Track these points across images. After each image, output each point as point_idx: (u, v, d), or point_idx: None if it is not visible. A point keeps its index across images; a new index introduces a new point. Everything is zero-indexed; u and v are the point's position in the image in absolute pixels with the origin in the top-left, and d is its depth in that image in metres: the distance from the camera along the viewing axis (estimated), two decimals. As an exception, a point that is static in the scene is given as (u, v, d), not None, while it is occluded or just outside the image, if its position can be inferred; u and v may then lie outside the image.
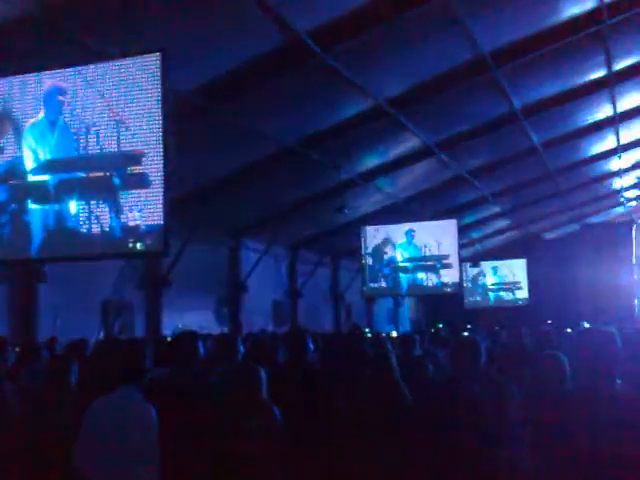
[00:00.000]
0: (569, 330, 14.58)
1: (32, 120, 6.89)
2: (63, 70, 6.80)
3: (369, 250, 17.16)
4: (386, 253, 17.16)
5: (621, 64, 11.89)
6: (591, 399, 2.97)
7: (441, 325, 18.84)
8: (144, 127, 6.51)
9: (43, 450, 4.20)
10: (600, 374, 3.02)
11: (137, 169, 6.46)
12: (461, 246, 18.04)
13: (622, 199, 21.55)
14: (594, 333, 3.24)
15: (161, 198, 6.40)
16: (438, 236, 16.84)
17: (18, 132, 6.93)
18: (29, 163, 6.91)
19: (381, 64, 9.62)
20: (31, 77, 6.90)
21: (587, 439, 2.89)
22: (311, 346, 5.48)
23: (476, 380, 4.00)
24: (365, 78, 9.94)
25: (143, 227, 6.50)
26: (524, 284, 24.12)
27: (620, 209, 23.42)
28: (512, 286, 24.40)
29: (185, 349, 4.47)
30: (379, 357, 4.75)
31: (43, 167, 6.85)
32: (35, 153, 6.88)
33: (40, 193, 6.81)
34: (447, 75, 10.44)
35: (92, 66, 6.84)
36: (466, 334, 14.02)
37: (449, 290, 17.05)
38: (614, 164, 18.31)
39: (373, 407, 4.26)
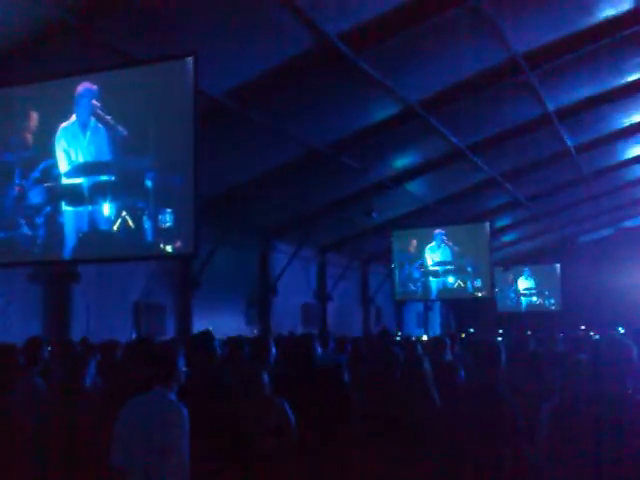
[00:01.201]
0: (597, 337, 14.37)
1: (65, 123, 7.01)
2: (95, 74, 6.91)
3: (399, 254, 17.10)
4: (416, 257, 17.08)
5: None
6: (597, 401, 3.13)
7: (472, 330, 18.62)
8: (176, 130, 6.56)
9: (68, 448, 4.25)
10: (614, 378, 3.17)
11: (169, 172, 6.51)
12: (493, 250, 17.86)
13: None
14: (610, 340, 3.39)
15: (192, 201, 6.44)
16: (469, 240, 16.71)
17: (52, 135, 7.05)
18: (63, 166, 7.02)
19: (412, 66, 9.57)
20: (63, 81, 7.01)
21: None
22: (332, 345, 5.46)
23: (500, 384, 4.00)
24: (396, 80, 9.89)
25: (174, 229, 6.55)
26: (557, 289, 23.75)
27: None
28: (545, 291, 24.06)
29: (201, 348, 4.50)
30: (411, 361, 4.70)
31: (76, 170, 6.96)
32: (68, 156, 7.00)
33: (74, 195, 6.92)
34: (479, 77, 10.33)
35: (124, 70, 6.95)
36: (499, 339, 13.91)
37: (480, 295, 16.89)
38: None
39: (402, 411, 4.21)
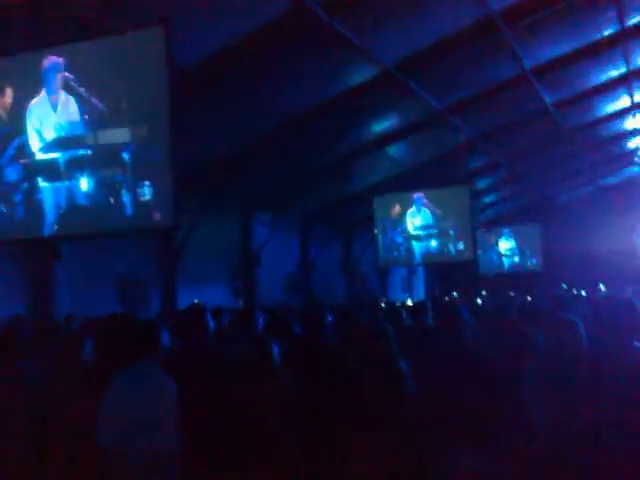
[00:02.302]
0: (583, 293, 14.59)
1: (35, 99, 6.87)
2: (62, 46, 6.75)
3: (381, 220, 17.13)
4: (398, 222, 17.12)
5: (634, 20, 11.61)
6: (612, 362, 3.04)
7: (455, 293, 18.81)
8: (151, 101, 6.46)
9: (59, 427, 4.24)
10: (623, 340, 3.08)
11: (146, 144, 6.42)
12: (474, 212, 17.93)
13: (637, 159, 21.26)
14: (613, 300, 3.34)
15: (170, 173, 6.38)
16: (451, 203, 16.76)
17: (24, 111, 6.91)
18: (36, 142, 6.90)
19: (387, 28, 9.44)
20: (30, 55, 6.85)
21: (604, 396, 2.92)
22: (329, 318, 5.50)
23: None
24: (371, 43, 9.79)
25: (153, 202, 6.49)
26: (538, 249, 23.99)
27: (635, 169, 23.11)
28: (526, 251, 24.30)
29: (195, 322, 4.50)
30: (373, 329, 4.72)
31: (51, 145, 6.84)
32: (40, 132, 6.87)
33: (50, 171, 6.82)
34: (456, 37, 10.23)
35: (93, 41, 6.79)
36: (479, 301, 14.07)
37: (463, 257, 17.00)
38: (628, 123, 18.02)
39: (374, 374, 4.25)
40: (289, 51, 9.14)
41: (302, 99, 11.13)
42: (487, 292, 19.77)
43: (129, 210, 6.57)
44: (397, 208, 17.13)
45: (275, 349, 4.18)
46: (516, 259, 24.60)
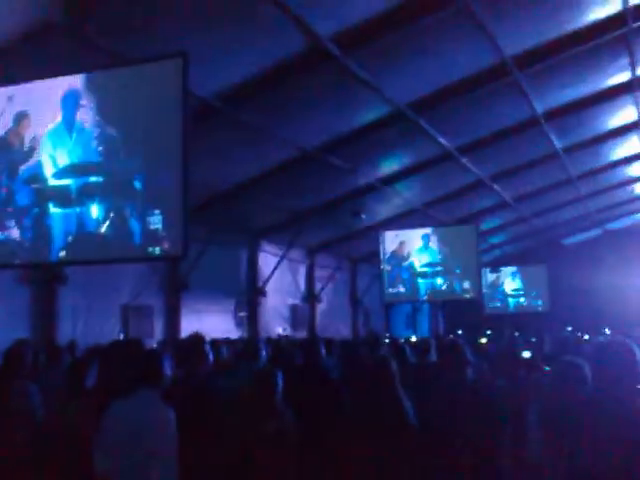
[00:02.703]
0: (587, 337, 14.47)
1: (51, 125, 6.94)
2: (81, 75, 6.84)
3: (388, 255, 17.12)
4: (405, 258, 17.10)
5: (646, 68, 11.72)
6: (612, 406, 3.07)
7: (460, 331, 18.67)
8: (165, 131, 6.50)
9: (60, 452, 4.19)
10: (623, 384, 3.12)
11: (158, 173, 6.45)
12: (481, 252, 17.91)
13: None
14: (615, 345, 3.37)
15: (181, 202, 6.38)
16: (458, 241, 16.76)
17: (39, 137, 6.97)
18: (50, 167, 6.95)
19: (401, 68, 9.57)
20: (49, 82, 6.94)
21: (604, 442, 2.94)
22: (322, 351, 5.47)
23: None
24: (385, 82, 9.89)
25: (162, 231, 6.48)
26: (544, 290, 23.87)
27: (642, 215, 23.12)
28: (532, 292, 24.17)
29: (193, 352, 4.47)
30: (378, 363, 4.69)
31: (64, 171, 6.88)
32: (54, 158, 6.92)
33: (62, 197, 6.84)
34: (468, 79, 10.35)
35: (111, 70, 6.88)
36: (484, 340, 13.95)
37: (468, 296, 16.94)
38: (636, 169, 18.07)
39: (374, 412, 4.21)
40: (303, 87, 9.24)
41: (314, 134, 11.23)
42: (492, 331, 19.60)
43: (138, 238, 6.57)
44: (404, 244, 17.12)
45: (279, 381, 4.16)
46: (522, 299, 24.46)
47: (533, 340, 12.85)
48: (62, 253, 6.89)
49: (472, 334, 16.84)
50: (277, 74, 8.76)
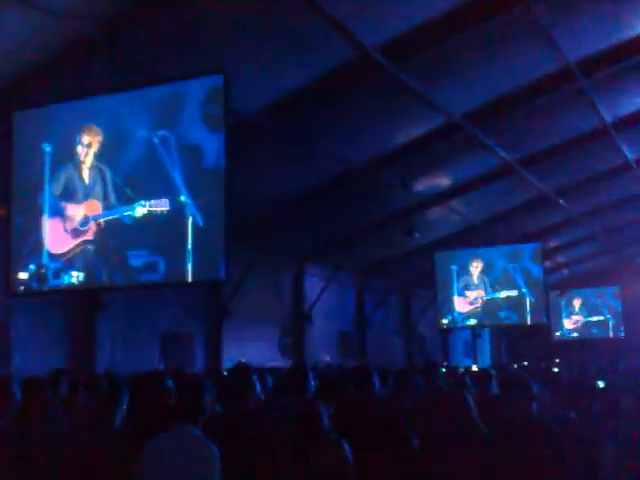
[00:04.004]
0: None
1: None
2: (119, 93, 7.14)
3: (443, 277, 17.00)
4: (462, 280, 16.95)
5: None
6: None
7: (526, 362, 18.32)
8: (205, 151, 6.70)
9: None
10: None
11: (199, 197, 6.64)
12: (547, 272, 17.61)
13: None
14: None
15: (222, 224, 6.54)
16: (521, 262, 16.55)
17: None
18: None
19: (456, 77, 9.59)
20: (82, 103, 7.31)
21: None
22: (377, 383, 5.46)
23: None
24: (438, 93, 9.93)
25: (204, 255, 6.65)
26: (618, 313, 23.25)
27: None
28: (604, 316, 23.57)
29: (238, 384, 4.50)
30: (455, 395, 4.67)
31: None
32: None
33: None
34: (529, 87, 10.29)
35: (150, 88, 7.14)
36: (556, 370, 13.66)
37: (534, 321, 16.67)
38: None
39: (449, 445, 4.19)
40: (351, 99, 9.35)
41: (363, 148, 11.31)
42: (561, 360, 19.18)
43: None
44: (460, 266, 16.98)
45: (325, 416, 4.15)
46: (593, 324, 23.88)
47: (607, 369, 12.54)
48: (103, 278, 7.16)
49: (539, 363, 16.51)
50: (323, 87, 8.88)
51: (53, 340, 10.35)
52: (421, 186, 13.59)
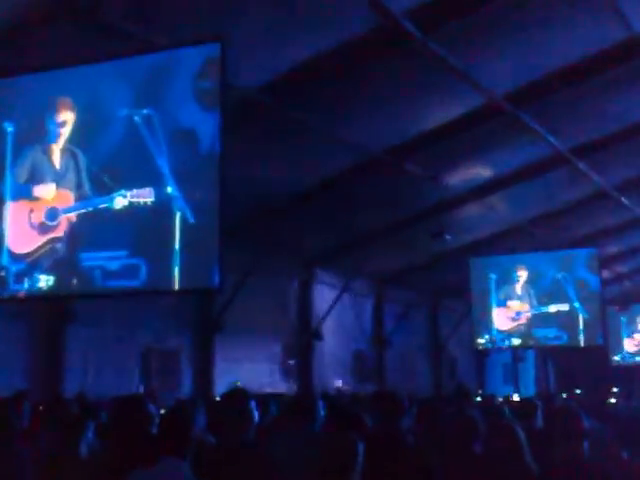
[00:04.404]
0: None
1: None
2: (97, 64, 7.22)
3: (479, 288, 17.01)
4: (502, 293, 16.96)
5: None
6: None
7: (578, 391, 18.30)
8: (197, 133, 6.76)
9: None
10: None
11: (189, 188, 6.70)
12: (604, 284, 17.58)
13: None
14: None
15: (217, 221, 6.59)
16: (573, 271, 16.54)
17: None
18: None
19: (497, 49, 9.62)
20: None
21: None
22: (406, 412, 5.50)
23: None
24: (476, 67, 9.96)
25: (194, 258, 6.71)
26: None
27: None
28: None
29: (234, 412, 4.56)
30: (499, 429, 4.71)
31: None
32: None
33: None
34: (585, 63, 10.30)
35: (133, 58, 7.22)
36: (613, 401, 13.66)
37: (588, 342, 16.65)
38: None
39: None
40: (370, 75, 9.39)
41: (384, 133, 11.36)
42: (621, 389, 19.16)
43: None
44: (500, 274, 16.99)
45: (359, 454, 4.18)
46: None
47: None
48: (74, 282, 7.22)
49: (593, 392, 16.50)
50: (336, 60, 8.94)
51: (13, 357, 10.44)
52: (453, 179, 13.62)
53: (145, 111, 6.95)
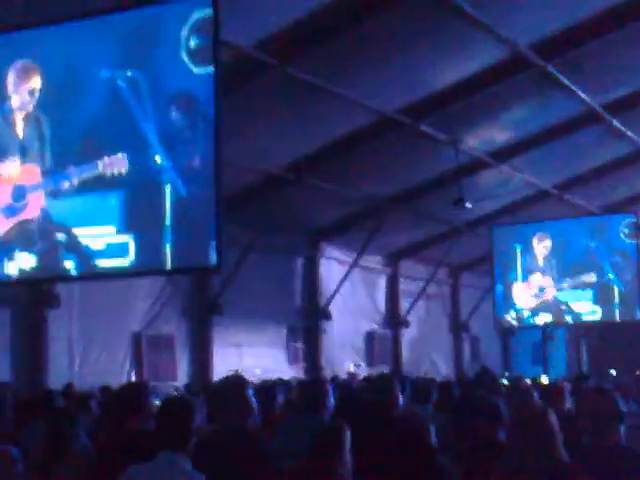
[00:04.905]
0: None
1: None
2: (72, 22, 7.18)
3: (503, 261, 17.02)
4: (529, 264, 16.96)
5: None
6: None
7: (613, 370, 18.34)
8: (189, 95, 6.74)
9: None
10: None
11: (181, 157, 6.69)
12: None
13: None
14: None
15: (213, 192, 6.59)
16: (608, 239, 16.51)
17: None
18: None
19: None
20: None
21: None
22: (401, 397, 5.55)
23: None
24: (498, 15, 9.88)
25: (188, 234, 6.73)
26: None
27: None
28: None
29: (232, 400, 4.62)
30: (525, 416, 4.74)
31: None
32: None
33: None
34: (619, 8, 10.22)
35: (115, 15, 7.18)
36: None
37: (626, 318, 16.67)
38: None
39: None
40: (381, 26, 9.33)
41: (397, 91, 11.31)
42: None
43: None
44: (527, 245, 16.98)
45: (345, 441, 4.27)
46: None
47: None
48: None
49: (631, 373, 16.53)
50: (344, 9, 8.87)
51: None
52: (474, 141, 13.58)
53: (130, 73, 6.92)
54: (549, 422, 4.47)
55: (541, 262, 16.96)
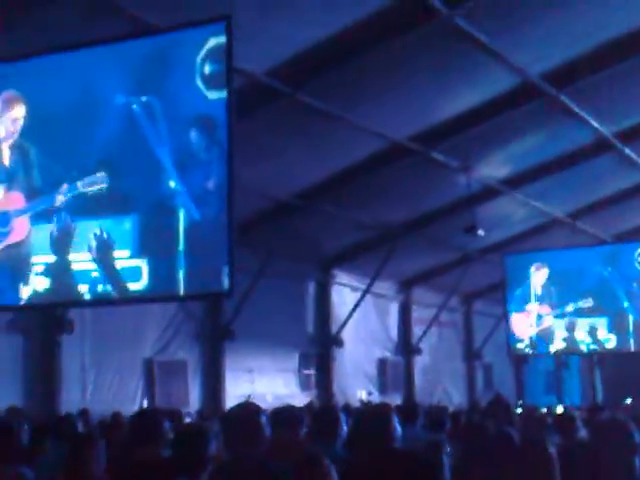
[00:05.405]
0: None
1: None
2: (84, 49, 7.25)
3: (516, 289, 16.97)
4: (542, 293, 16.91)
5: None
6: None
7: (629, 399, 18.21)
8: (202, 120, 6.78)
9: None
10: None
11: (194, 182, 6.72)
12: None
13: None
14: None
15: (225, 218, 6.60)
16: (621, 267, 16.46)
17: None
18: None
19: (533, 24, 9.57)
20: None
21: None
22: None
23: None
24: (510, 44, 9.91)
25: (201, 259, 6.73)
26: None
27: None
28: None
29: (244, 428, 4.60)
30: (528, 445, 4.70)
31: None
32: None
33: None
34: (632, 38, 10.23)
35: (130, 42, 7.25)
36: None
37: (638, 347, 16.57)
38: None
39: None
40: (393, 53, 9.37)
41: (408, 119, 11.35)
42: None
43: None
44: (540, 273, 16.94)
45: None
46: None
47: None
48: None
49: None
50: (356, 37, 8.94)
51: (4, 372, 10.50)
52: (486, 168, 13.58)
53: (145, 98, 6.97)
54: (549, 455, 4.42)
55: (557, 293, 16.88)
